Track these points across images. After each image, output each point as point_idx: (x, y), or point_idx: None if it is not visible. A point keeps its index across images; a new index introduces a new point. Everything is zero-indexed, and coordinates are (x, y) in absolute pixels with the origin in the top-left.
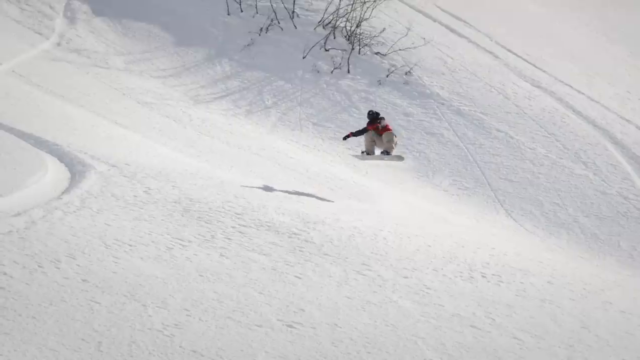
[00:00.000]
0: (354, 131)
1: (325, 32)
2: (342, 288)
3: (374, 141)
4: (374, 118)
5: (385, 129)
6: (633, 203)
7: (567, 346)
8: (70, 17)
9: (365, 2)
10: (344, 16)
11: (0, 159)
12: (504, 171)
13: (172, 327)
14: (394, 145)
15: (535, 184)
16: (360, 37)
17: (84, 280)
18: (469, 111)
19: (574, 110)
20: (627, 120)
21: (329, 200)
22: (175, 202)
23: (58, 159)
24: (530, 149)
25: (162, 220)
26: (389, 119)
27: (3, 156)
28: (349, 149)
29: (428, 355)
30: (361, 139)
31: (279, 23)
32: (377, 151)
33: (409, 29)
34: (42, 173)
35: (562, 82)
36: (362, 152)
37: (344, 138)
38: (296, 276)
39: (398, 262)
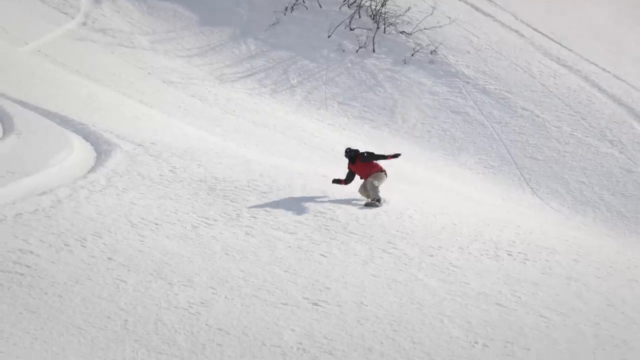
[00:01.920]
0: (343, 178)
1: (350, 12)
2: (367, 266)
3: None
4: (351, 157)
5: (367, 170)
6: None
7: (593, 324)
8: None
9: None
10: None
11: (26, 138)
12: (530, 149)
13: (198, 305)
14: (374, 189)
15: (561, 162)
16: (386, 16)
17: (109, 259)
18: (495, 90)
19: (599, 89)
20: None
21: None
22: (200, 181)
23: (84, 138)
24: (555, 127)
25: (188, 199)
26: (415, 99)
27: (29, 135)
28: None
29: (454, 332)
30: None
31: (304, 2)
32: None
33: (434, 8)
34: (68, 152)
35: (587, 60)
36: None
37: (333, 182)
38: (322, 254)
39: (424, 240)
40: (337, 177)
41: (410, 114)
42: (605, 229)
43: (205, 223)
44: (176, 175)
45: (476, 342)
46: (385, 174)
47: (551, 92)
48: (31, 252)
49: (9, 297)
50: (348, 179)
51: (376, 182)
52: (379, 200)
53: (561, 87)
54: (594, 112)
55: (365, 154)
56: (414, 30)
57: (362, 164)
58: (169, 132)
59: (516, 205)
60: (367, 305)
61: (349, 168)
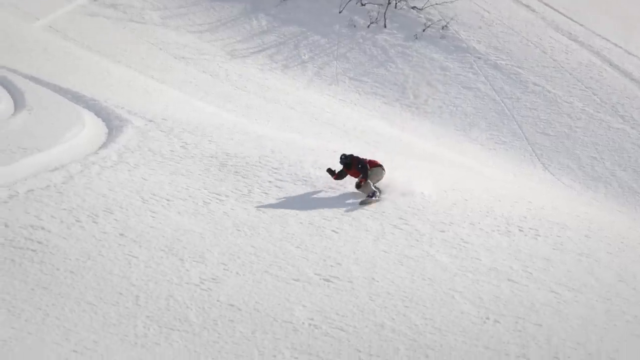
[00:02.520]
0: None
1: None
2: (379, 242)
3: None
4: (347, 164)
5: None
6: None
7: (605, 300)
8: None
9: None
10: None
11: (38, 114)
12: (541, 125)
13: (209, 281)
14: (367, 185)
15: (573, 138)
16: None
17: (121, 235)
18: (506, 65)
19: (611, 64)
20: None
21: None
22: (212, 157)
23: (95, 114)
24: (567, 102)
25: (199, 175)
26: (426, 74)
27: (40, 111)
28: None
29: (465, 308)
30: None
31: None
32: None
33: None
34: (80, 128)
35: (599, 35)
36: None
37: (327, 170)
38: (333, 230)
39: (435, 216)
40: (332, 168)
41: (422, 89)
42: (616, 204)
43: (217, 199)
44: (187, 151)
45: (487, 318)
46: (383, 169)
47: (563, 67)
48: (43, 228)
49: (21, 273)
50: (340, 176)
51: (373, 181)
52: (373, 194)
53: (572, 62)
54: (605, 88)
55: (360, 167)
56: (425, 6)
57: (357, 170)
58: (181, 108)
59: (527, 180)
60: (378, 281)
61: (344, 169)
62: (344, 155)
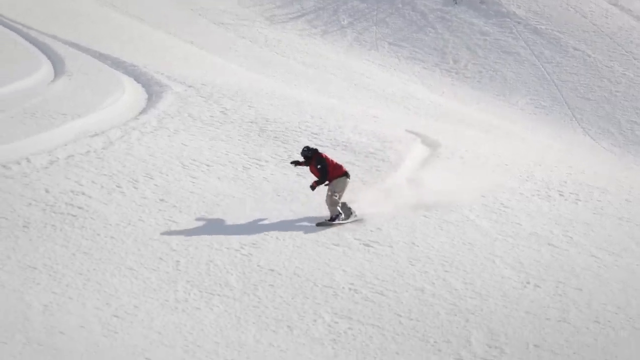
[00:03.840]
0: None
1: None
2: (419, 207)
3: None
4: (307, 157)
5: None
6: None
7: None
8: None
9: None
10: None
11: (78, 80)
12: (581, 89)
13: (249, 246)
14: (332, 202)
15: (613, 102)
16: None
17: (161, 200)
18: (546, 30)
19: None
20: None
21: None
22: (251, 122)
23: (135, 80)
24: (607, 67)
25: (239, 140)
26: (465, 39)
27: (80, 77)
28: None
29: (505, 273)
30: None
31: None
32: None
33: None
34: (120, 94)
35: None
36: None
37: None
38: (372, 195)
39: (476, 181)
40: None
41: (461, 54)
42: None
43: (257, 164)
44: (227, 117)
45: (528, 283)
46: (347, 176)
47: (603, 31)
48: (83, 194)
49: (62, 239)
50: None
51: (335, 194)
52: (336, 217)
53: (613, 26)
54: None
55: (319, 167)
56: None
57: (315, 168)
58: (220, 73)
59: (567, 145)
60: (418, 246)
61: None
62: (307, 147)
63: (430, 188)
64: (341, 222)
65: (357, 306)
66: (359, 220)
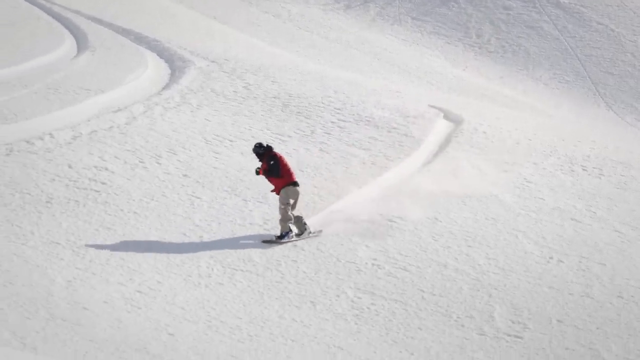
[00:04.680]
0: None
1: None
2: (441, 182)
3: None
4: (259, 154)
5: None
6: None
7: None
8: None
9: None
10: None
11: (101, 56)
12: (605, 64)
13: (272, 221)
14: (283, 216)
15: (637, 77)
16: None
17: (184, 176)
18: (569, 4)
19: None
20: None
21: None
22: (274, 98)
23: (158, 55)
24: (631, 41)
25: (262, 115)
26: (489, 13)
27: (103, 52)
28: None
29: (528, 248)
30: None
31: None
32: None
33: None
34: (142, 69)
35: None
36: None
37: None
38: (396, 170)
39: (498, 156)
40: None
41: (484, 29)
42: None
43: (280, 139)
44: (250, 92)
45: (551, 258)
46: (295, 185)
47: (626, 5)
48: (106, 169)
49: (85, 214)
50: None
51: (287, 205)
52: (285, 234)
53: (636, 0)
54: None
55: (271, 163)
56: None
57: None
58: (243, 48)
59: (591, 120)
60: (441, 221)
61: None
62: (259, 144)
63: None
64: (291, 239)
65: (380, 282)
66: (316, 236)
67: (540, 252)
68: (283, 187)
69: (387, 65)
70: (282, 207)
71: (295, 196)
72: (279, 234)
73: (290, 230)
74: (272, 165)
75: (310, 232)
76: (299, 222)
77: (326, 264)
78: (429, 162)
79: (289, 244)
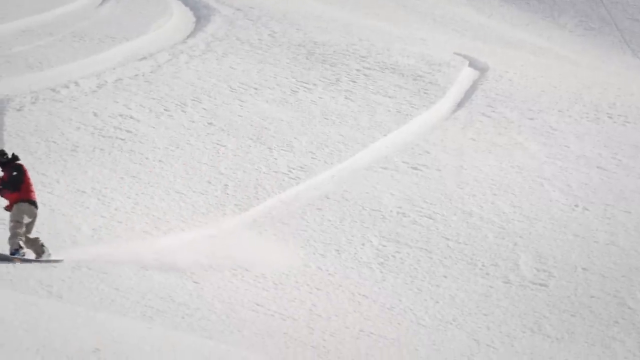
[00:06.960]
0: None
1: None
2: (467, 130)
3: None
4: (2, 163)
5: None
6: None
7: None
8: None
9: None
10: None
11: (126, 3)
12: (631, 10)
13: (297, 169)
14: (13, 232)
15: None
16: None
17: (209, 124)
18: None
19: None
20: None
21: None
22: (299, 45)
23: (183, 3)
24: None
25: (287, 63)
26: None
27: (128, 1)
28: None
29: (554, 196)
30: None
31: None
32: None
33: None
34: (167, 17)
35: None
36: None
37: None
38: (421, 118)
39: (523, 103)
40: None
41: None
42: None
43: (305, 87)
44: (275, 40)
45: (576, 205)
46: (31, 205)
47: None
48: (131, 117)
49: (111, 162)
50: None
51: (18, 222)
52: (16, 251)
53: None
54: None
55: (14, 174)
56: None
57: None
58: None
59: (616, 67)
60: (466, 169)
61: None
62: (2, 151)
63: None
64: (23, 258)
65: (405, 230)
66: (58, 262)
67: (565, 200)
68: (16, 202)
69: (412, 12)
70: (12, 223)
71: (32, 216)
72: (8, 252)
73: (22, 247)
74: (14, 177)
75: (50, 255)
76: (36, 244)
77: (351, 212)
78: (455, 110)
79: None
